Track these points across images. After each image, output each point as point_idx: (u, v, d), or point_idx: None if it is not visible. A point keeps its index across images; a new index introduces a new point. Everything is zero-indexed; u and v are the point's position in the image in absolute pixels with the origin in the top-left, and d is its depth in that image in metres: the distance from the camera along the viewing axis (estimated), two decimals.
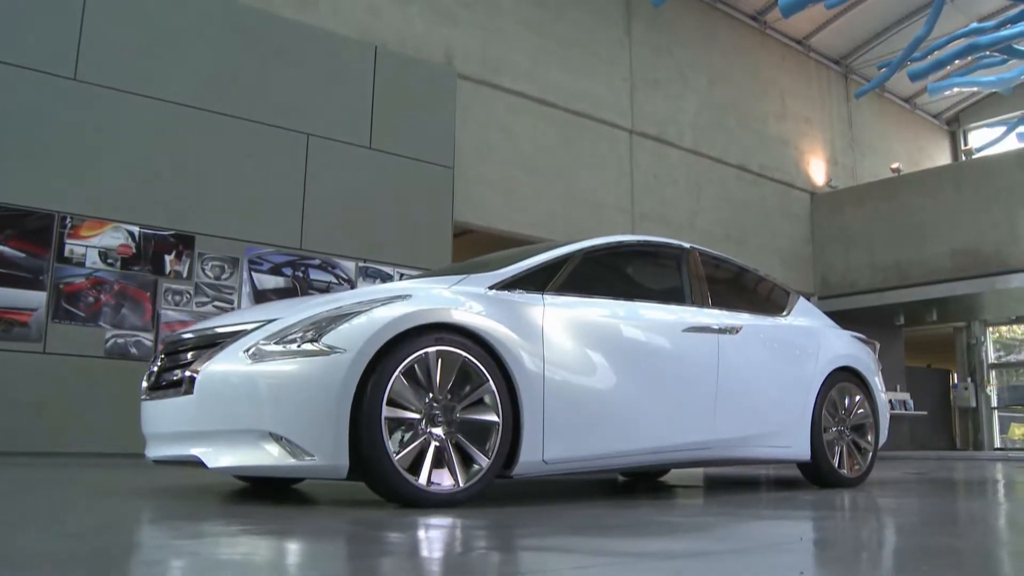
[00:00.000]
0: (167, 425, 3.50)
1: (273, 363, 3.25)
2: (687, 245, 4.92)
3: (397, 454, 3.23)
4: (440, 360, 3.42)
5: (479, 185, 10.70)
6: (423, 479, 3.28)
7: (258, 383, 3.24)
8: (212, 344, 3.47)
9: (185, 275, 8.12)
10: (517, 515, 3.26)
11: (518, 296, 3.83)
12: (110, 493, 3.91)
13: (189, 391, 3.36)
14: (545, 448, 3.67)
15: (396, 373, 3.27)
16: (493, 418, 3.50)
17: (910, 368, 17.73)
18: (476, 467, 3.44)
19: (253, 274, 8.50)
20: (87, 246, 7.66)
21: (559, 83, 11.83)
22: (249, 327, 3.45)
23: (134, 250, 7.89)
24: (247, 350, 3.31)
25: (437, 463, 3.36)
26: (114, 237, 7.80)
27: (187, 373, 3.40)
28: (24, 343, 7.22)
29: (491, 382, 3.51)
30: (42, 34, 7.68)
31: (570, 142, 11.87)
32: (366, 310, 3.36)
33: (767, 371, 4.92)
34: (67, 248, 7.56)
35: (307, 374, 3.20)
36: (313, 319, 3.36)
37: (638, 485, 5.49)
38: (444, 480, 3.35)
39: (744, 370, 4.72)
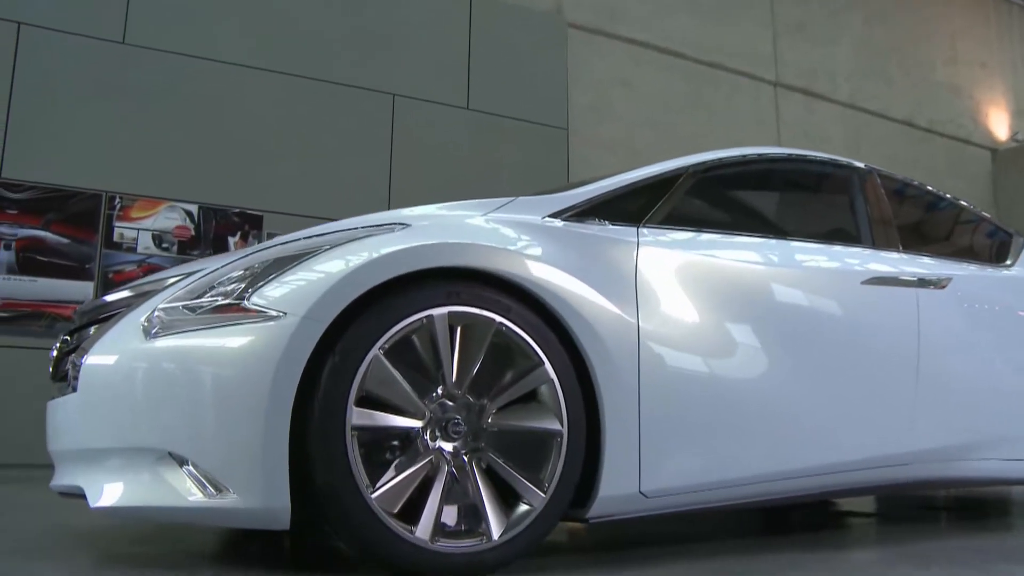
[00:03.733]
0: (59, 439, 2.29)
1: (177, 338, 1.97)
2: (862, 165, 3.36)
3: (375, 487, 1.90)
4: (459, 330, 2.06)
5: (597, 148, 9.25)
6: (424, 530, 1.92)
7: (152, 372, 1.97)
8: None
9: None
10: None
11: (596, 229, 2.42)
12: None
13: (75, 387, 2.14)
14: (644, 473, 2.24)
15: (374, 351, 1.93)
16: (553, 425, 2.12)
17: None
18: (523, 508, 2.07)
19: None
20: (139, 229, 6.71)
21: (687, 30, 10.24)
22: (170, 282, 2.20)
23: (193, 232, 6.90)
24: (146, 319, 2.05)
25: (454, 501, 2.00)
26: (169, 218, 6.83)
27: (78, 360, 2.18)
28: None
29: (548, 365, 2.12)
30: None
31: (703, 97, 10.25)
32: (326, 249, 2.04)
33: (991, 345, 3.30)
34: (116, 232, 6.63)
35: (223, 354, 1.90)
36: (245, 264, 2.07)
37: (790, 514, 3.94)
38: (464, 530, 1.99)
39: (957, 343, 3.13)
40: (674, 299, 2.40)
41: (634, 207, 2.56)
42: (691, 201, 2.68)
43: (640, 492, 2.25)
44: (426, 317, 1.99)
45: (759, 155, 3.08)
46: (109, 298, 2.46)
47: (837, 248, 2.95)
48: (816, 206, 3.33)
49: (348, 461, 1.86)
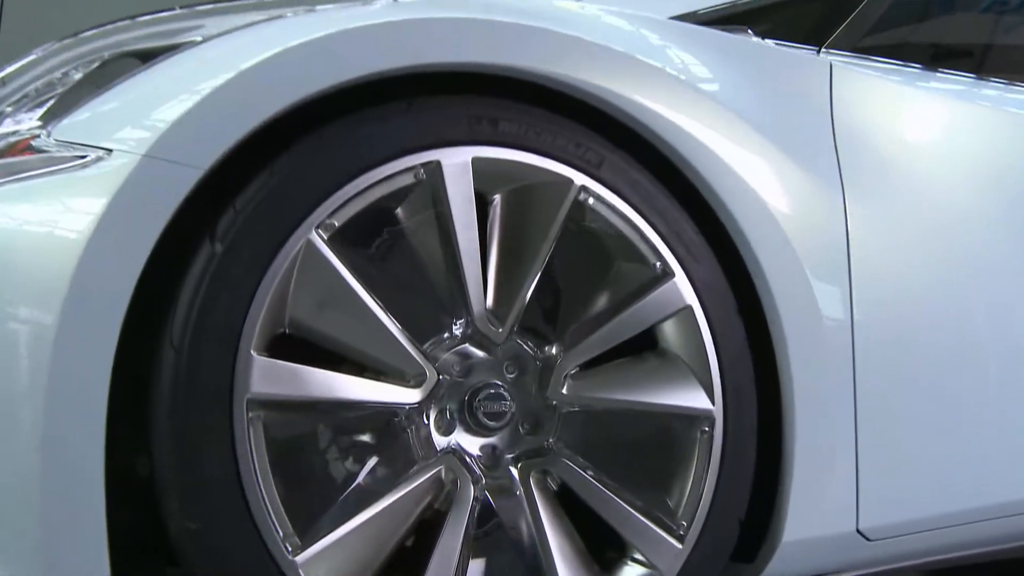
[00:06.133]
0: None
1: None
2: None
3: (308, 540, 0.84)
4: (497, 200, 0.99)
5: None
6: None
7: None
8: None
9: None
10: None
11: (759, 43, 1.31)
12: None
13: None
14: (864, 498, 1.13)
15: (304, 232, 0.86)
16: (693, 400, 1.03)
17: None
18: (637, 571, 0.99)
19: None
20: None
21: None
22: None
23: None
24: None
25: (490, 555, 0.96)
26: None
27: None
28: None
29: (682, 276, 1.03)
30: None
31: None
32: (205, 40, 0.96)
33: None
34: None
35: None
36: (60, 65, 1.03)
37: None
38: None
39: None
40: (903, 175, 1.29)
41: (811, 20, 1.45)
42: (903, 18, 1.56)
43: (858, 531, 1.15)
44: (424, 166, 0.92)
45: None
46: None
47: None
48: None
49: (239, 481, 0.81)
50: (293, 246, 0.85)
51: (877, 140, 1.29)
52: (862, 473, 1.14)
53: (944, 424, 1.22)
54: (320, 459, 0.93)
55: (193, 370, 0.81)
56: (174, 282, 0.84)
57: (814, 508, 1.11)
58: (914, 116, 1.38)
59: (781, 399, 1.10)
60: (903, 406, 1.18)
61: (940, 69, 1.53)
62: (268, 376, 0.84)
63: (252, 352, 0.83)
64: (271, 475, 0.83)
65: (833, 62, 1.33)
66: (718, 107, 1.12)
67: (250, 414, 0.82)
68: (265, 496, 0.82)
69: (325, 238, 0.87)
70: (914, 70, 1.46)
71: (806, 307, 1.11)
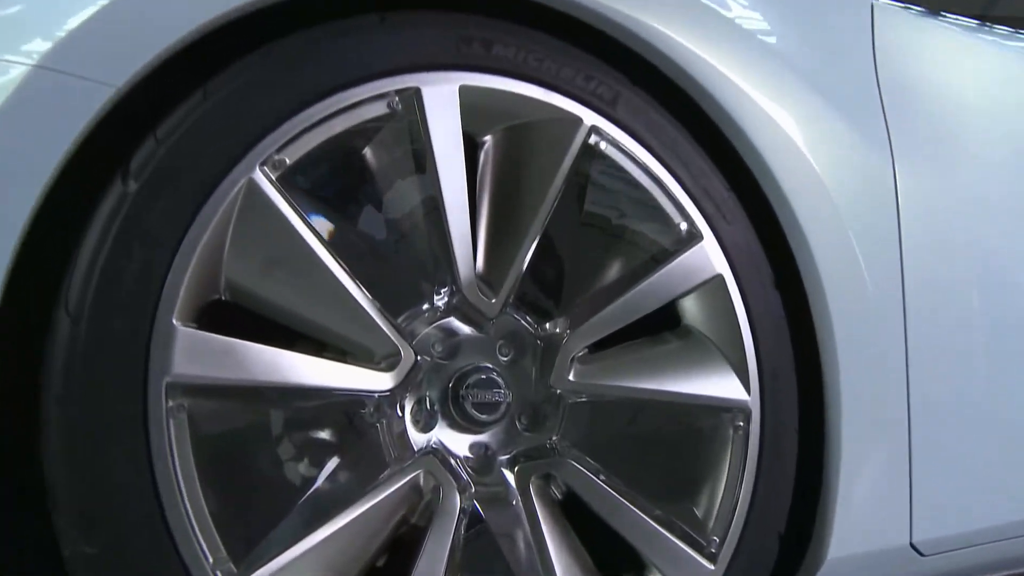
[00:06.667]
0: None
1: None
2: None
3: (246, 565, 0.66)
4: (488, 141, 0.82)
5: None
6: None
7: None
8: None
9: None
10: None
11: None
12: None
13: None
14: (918, 507, 0.97)
15: (245, 169, 0.67)
16: (724, 390, 0.87)
17: None
18: None
19: None
20: None
21: None
22: None
23: None
24: None
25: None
26: None
27: None
28: None
29: (711, 239, 0.88)
30: None
31: None
32: None
33: None
34: None
35: None
36: None
37: None
38: None
39: None
40: (954, 127, 1.13)
41: None
42: None
43: (911, 545, 0.98)
44: (400, 93, 0.74)
45: None
46: None
47: None
48: None
49: (154, 490, 0.62)
50: (231, 187, 0.67)
51: (924, 89, 1.13)
52: (916, 476, 0.99)
53: (1011, 417, 1.06)
54: (265, 462, 0.74)
55: (95, 345, 0.62)
56: (74, 231, 0.65)
57: (863, 519, 0.95)
58: (962, 65, 1.21)
59: (824, 388, 0.93)
60: (963, 396, 1.02)
61: (975, 18, 1.37)
62: (195, 353, 0.65)
63: (174, 322, 0.64)
64: (198, 483, 0.64)
65: (877, 11, 1.16)
66: (753, 42, 0.95)
67: (170, 403, 0.64)
68: (189, 510, 0.63)
69: (273, 178, 0.68)
70: (955, 19, 1.31)
71: (853, 278, 0.95)
